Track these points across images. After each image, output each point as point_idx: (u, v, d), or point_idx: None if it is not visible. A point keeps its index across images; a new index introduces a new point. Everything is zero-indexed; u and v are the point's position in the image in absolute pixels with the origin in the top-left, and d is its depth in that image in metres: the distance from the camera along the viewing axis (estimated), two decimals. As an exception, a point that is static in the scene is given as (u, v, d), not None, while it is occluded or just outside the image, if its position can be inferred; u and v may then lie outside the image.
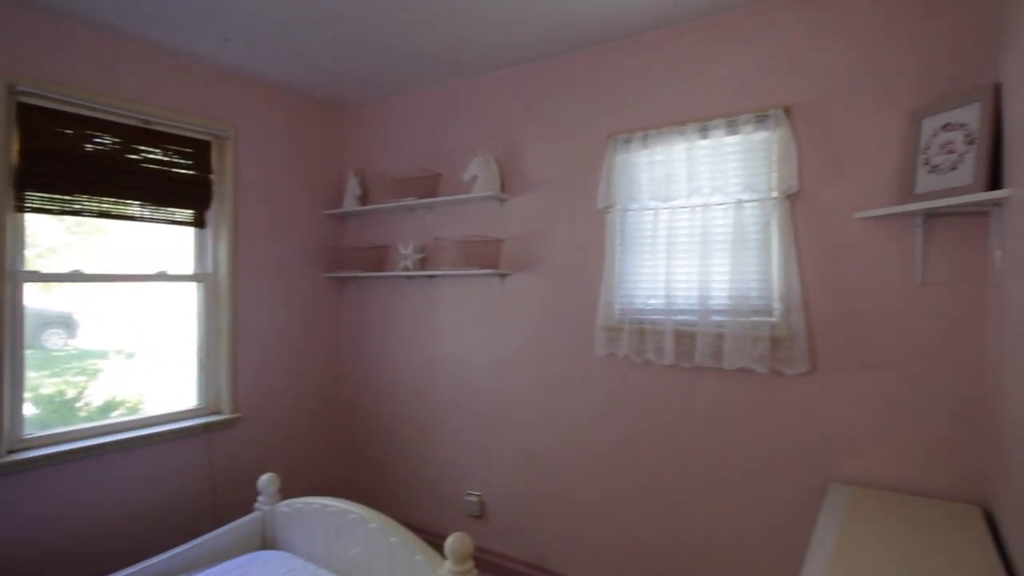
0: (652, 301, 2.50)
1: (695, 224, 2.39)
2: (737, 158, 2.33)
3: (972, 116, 1.83)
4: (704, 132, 2.39)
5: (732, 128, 2.33)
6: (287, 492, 2.63)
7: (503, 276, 2.98)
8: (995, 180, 1.75)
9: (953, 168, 1.87)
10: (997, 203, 1.74)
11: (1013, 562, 1.52)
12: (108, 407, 2.79)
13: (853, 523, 1.79)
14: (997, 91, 1.76)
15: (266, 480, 2.56)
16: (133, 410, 2.86)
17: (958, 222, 1.96)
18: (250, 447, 3.15)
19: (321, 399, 3.58)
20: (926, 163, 1.95)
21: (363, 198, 3.50)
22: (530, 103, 2.92)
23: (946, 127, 1.91)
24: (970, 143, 1.83)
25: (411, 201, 3.15)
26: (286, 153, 3.36)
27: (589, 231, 2.71)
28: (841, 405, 2.15)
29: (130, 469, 2.66)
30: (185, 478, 2.87)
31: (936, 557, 1.56)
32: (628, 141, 2.57)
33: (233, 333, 3.07)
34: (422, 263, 3.26)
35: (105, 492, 2.57)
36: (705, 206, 2.37)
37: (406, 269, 3.22)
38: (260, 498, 2.57)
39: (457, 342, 3.17)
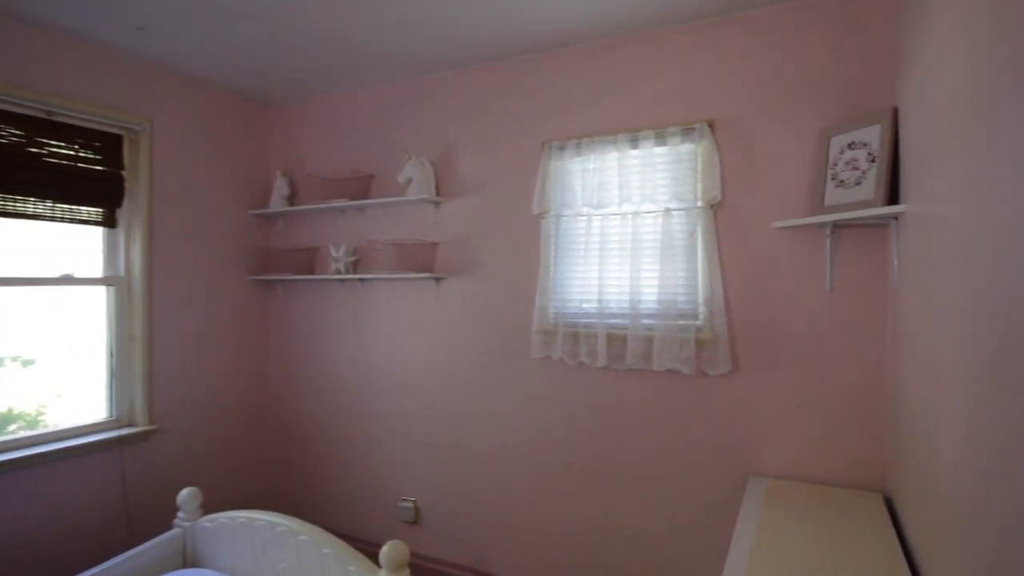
0: (585, 305, 2.56)
1: (626, 231, 2.47)
2: (665, 168, 2.43)
3: (874, 136, 2.00)
4: (634, 142, 2.47)
5: (660, 139, 2.42)
6: (211, 507, 2.51)
7: (439, 280, 2.97)
8: (894, 195, 1.92)
9: (857, 183, 2.03)
10: (895, 216, 1.91)
11: (909, 541, 1.67)
12: (4, 420, 2.56)
13: (770, 512, 1.91)
14: (895, 114, 1.93)
15: (186, 495, 2.43)
16: (33, 423, 2.64)
17: (862, 233, 2.13)
18: (169, 461, 2.98)
19: (247, 407, 3.43)
20: (834, 178, 2.11)
21: (291, 198, 3.38)
22: (467, 107, 2.92)
23: (851, 145, 2.07)
24: (872, 161, 1.99)
25: (343, 202, 3.08)
26: (208, 150, 3.20)
27: (524, 236, 2.74)
28: (758, 403, 2.29)
29: (31, 489, 2.45)
30: (95, 497, 2.67)
31: (844, 540, 1.69)
32: (562, 148, 2.62)
33: (148, 340, 2.89)
34: (354, 266, 3.19)
35: (2, 515, 2.36)
36: (635, 214, 2.45)
37: (338, 272, 3.14)
38: (180, 514, 2.43)
39: (391, 346, 3.12)
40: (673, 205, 2.39)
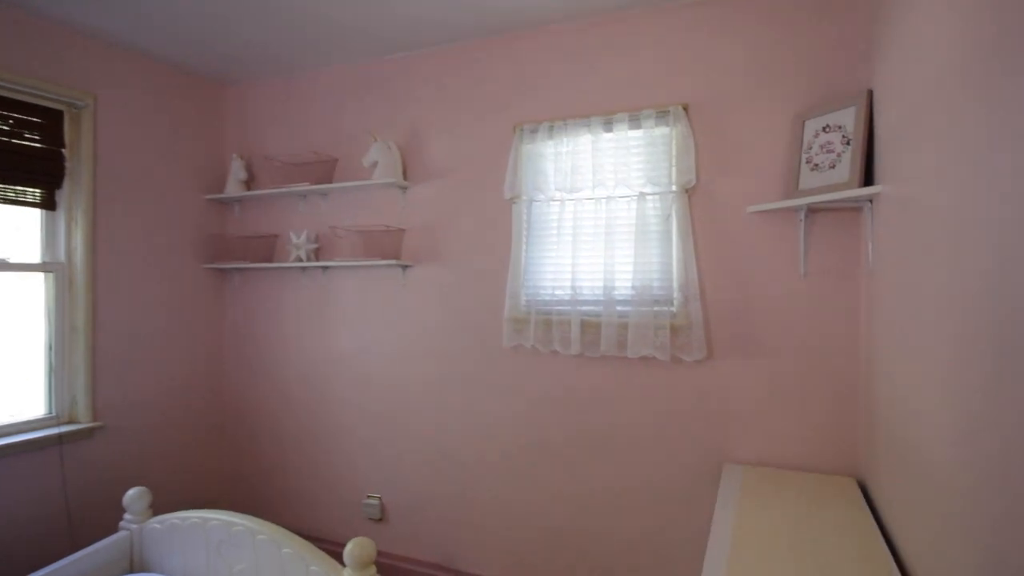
0: (558, 292, 2.49)
1: (600, 216, 2.42)
2: (640, 152, 2.37)
3: (849, 119, 1.99)
4: (608, 125, 2.42)
5: (635, 122, 2.37)
6: (162, 508, 2.36)
7: (405, 267, 2.86)
8: (868, 178, 1.91)
9: (832, 166, 2.02)
10: (870, 199, 1.90)
11: (886, 525, 1.66)
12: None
13: (747, 500, 1.88)
14: (870, 96, 1.92)
15: (133, 495, 2.27)
16: (-38, 423, 2.43)
17: (836, 217, 2.12)
18: (115, 460, 2.79)
19: (201, 402, 3.25)
20: (808, 161, 2.10)
21: (249, 183, 3.22)
22: (435, 88, 2.82)
23: (826, 128, 2.06)
24: (847, 144, 1.98)
25: (304, 187, 2.93)
26: (158, 130, 3.01)
27: (495, 221, 2.66)
28: (733, 390, 2.26)
29: (-43, 492, 2.25)
30: (33, 499, 2.47)
31: (823, 525, 1.67)
32: (534, 131, 2.55)
33: (91, 331, 2.70)
34: (316, 253, 3.05)
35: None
36: (609, 198, 2.40)
37: (299, 260, 3.00)
38: (127, 515, 2.27)
39: (355, 337, 3.00)
40: (647, 189, 2.34)
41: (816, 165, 2.07)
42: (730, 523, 1.71)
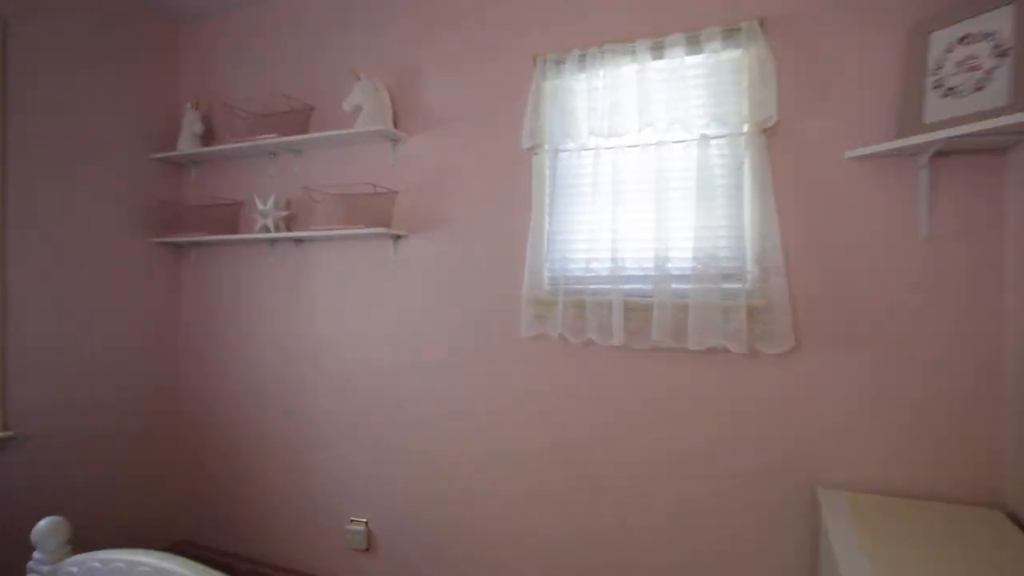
0: (594, 265, 2.05)
1: (648, 167, 1.98)
2: (700, 83, 1.94)
3: (1002, 22, 1.52)
4: (659, 51, 1.99)
5: (694, 45, 1.94)
6: (94, 541, 1.89)
7: (397, 238, 2.41)
8: (1037, 99, 1.40)
9: (978, 88, 1.55)
10: (1043, 128, 1.39)
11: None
12: None
13: (869, 539, 1.39)
14: (1041, -15, 1.42)
15: (44, 529, 1.72)
16: None
17: (973, 161, 1.65)
18: (30, 480, 2.29)
19: (149, 406, 2.76)
20: (938, 86, 1.63)
21: (206, 137, 2.75)
22: (433, 14, 2.36)
23: (965, 39, 1.59)
24: (1001, 56, 1.51)
25: (272, 139, 2.46)
26: (93, 71, 2.51)
27: (511, 178, 2.21)
28: (828, 391, 1.80)
29: None
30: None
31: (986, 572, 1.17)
32: (560, 63, 2.10)
33: (0, 318, 2.18)
34: (288, 223, 2.58)
35: None
36: (660, 143, 1.95)
37: (266, 230, 2.52)
38: (36, 554, 1.75)
39: (336, 326, 2.54)
40: (711, 131, 1.90)
41: (951, 89, 1.58)
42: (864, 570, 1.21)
